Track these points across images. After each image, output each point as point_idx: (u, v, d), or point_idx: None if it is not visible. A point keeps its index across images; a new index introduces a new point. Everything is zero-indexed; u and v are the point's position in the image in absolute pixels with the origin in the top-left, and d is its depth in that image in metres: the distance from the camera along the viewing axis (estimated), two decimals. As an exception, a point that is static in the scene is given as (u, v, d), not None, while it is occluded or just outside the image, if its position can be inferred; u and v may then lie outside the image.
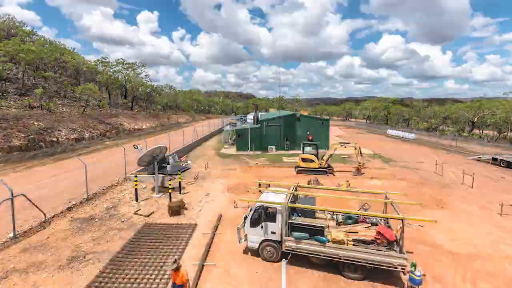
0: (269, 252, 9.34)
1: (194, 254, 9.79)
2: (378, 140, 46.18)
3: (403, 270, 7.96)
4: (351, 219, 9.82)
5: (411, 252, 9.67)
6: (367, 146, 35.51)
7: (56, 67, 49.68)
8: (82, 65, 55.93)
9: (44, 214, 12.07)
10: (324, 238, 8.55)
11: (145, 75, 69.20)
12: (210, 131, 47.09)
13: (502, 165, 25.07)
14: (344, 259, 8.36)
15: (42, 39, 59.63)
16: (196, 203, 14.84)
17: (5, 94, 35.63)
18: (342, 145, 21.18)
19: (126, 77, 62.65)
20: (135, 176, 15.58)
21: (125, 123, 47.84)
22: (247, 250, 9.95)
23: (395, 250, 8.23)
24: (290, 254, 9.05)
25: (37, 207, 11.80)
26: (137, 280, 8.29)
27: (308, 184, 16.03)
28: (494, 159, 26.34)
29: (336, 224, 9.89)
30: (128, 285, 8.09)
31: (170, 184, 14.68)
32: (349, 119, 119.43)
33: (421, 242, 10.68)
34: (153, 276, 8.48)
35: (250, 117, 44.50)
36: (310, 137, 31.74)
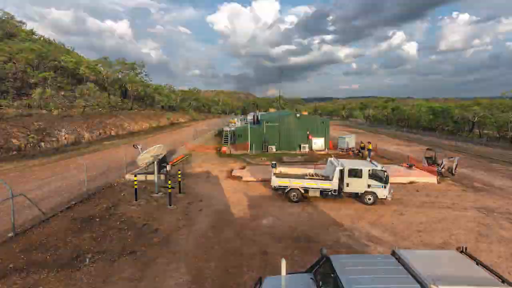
0: None
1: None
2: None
3: None
4: None
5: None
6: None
7: (55, 66, 49.63)
8: (82, 65, 55.83)
9: (44, 213, 12.07)
10: None
11: (145, 75, 69.23)
12: (210, 131, 47.15)
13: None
14: None
15: (42, 38, 59.70)
16: (196, 203, 14.85)
17: (4, 94, 35.62)
18: None
19: (126, 77, 62.63)
20: (135, 176, 15.59)
21: (125, 123, 47.84)
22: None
23: None
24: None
25: (36, 207, 11.81)
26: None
27: None
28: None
29: None
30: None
31: (170, 184, 14.67)
32: (349, 119, 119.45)
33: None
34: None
35: (250, 117, 44.50)
36: (310, 137, 31.77)
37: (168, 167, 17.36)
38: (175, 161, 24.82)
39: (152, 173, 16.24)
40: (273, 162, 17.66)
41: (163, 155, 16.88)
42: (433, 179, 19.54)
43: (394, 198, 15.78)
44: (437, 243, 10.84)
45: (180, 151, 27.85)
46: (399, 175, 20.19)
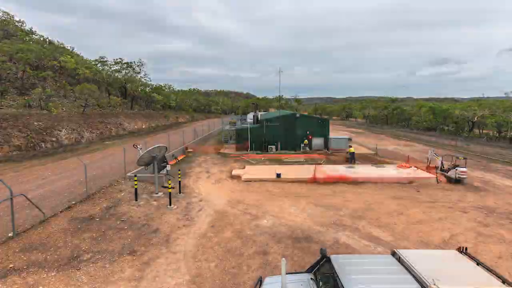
0: None
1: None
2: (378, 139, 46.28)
3: None
4: None
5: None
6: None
7: (55, 66, 49.61)
8: (82, 65, 55.86)
9: (44, 213, 12.06)
10: None
11: (144, 74, 69.22)
12: (210, 131, 47.16)
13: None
14: None
15: (42, 38, 59.65)
16: (196, 203, 14.85)
17: (4, 94, 35.58)
18: None
19: (126, 77, 62.60)
20: (135, 176, 15.58)
21: (124, 122, 47.83)
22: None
23: None
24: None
25: (36, 207, 11.80)
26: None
27: None
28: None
29: None
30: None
31: (170, 184, 14.66)
32: (349, 119, 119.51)
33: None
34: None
35: (250, 116, 44.48)
36: (310, 137, 31.77)
37: (168, 167, 17.35)
38: (175, 161, 24.81)
39: (152, 173, 16.22)
40: None
41: (163, 155, 16.87)
42: (432, 178, 19.56)
43: (395, 197, 15.81)
44: (437, 243, 10.84)
45: (180, 151, 27.85)
46: (398, 174, 20.23)
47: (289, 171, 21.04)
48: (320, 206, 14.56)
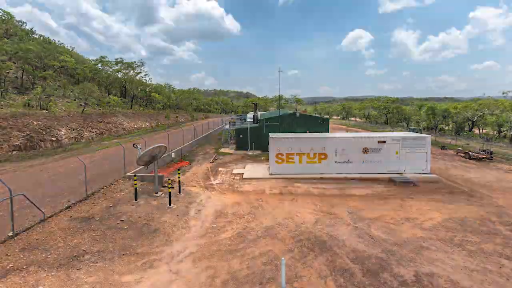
0: None
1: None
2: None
3: None
4: None
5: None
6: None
7: (55, 66, 49.53)
8: (82, 64, 55.79)
9: (43, 213, 12.04)
10: None
11: (145, 74, 69.17)
12: (210, 131, 47.09)
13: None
14: None
15: (42, 38, 59.56)
16: (196, 203, 14.83)
17: (3, 93, 35.51)
18: None
19: (126, 77, 62.57)
20: (135, 175, 15.56)
21: (124, 122, 47.78)
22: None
23: None
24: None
25: (36, 206, 11.78)
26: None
27: None
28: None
29: None
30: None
31: (169, 183, 14.65)
32: (349, 118, 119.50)
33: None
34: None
35: (249, 116, 44.42)
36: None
37: (173, 154, 17.30)
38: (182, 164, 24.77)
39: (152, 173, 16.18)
40: None
41: (162, 154, 16.84)
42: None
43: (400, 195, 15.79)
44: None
45: (180, 151, 27.80)
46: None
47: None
48: (320, 203, 14.55)
